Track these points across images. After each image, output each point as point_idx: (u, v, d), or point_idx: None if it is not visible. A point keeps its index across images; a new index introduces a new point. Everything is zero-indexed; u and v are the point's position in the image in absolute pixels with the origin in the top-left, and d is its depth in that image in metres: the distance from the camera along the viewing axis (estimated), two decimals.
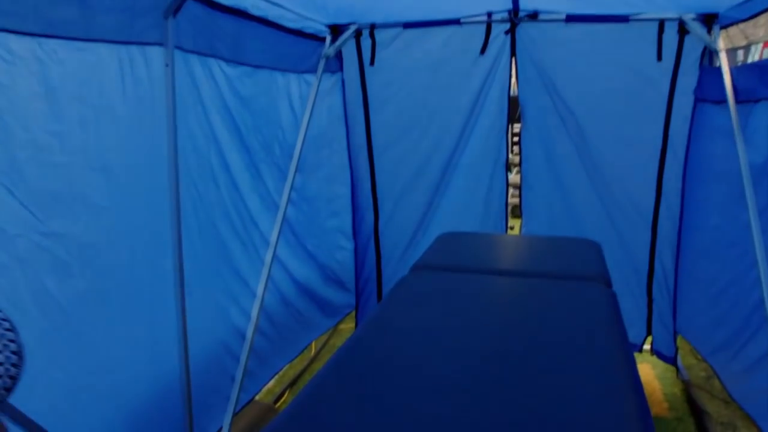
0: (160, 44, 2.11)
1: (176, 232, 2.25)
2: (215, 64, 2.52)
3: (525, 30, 3.47)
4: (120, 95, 1.98)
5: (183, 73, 2.29)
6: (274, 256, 3.03)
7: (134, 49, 2.03)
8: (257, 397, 3.19)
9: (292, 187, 3.19)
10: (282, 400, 3.47)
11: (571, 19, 3.29)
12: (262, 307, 2.92)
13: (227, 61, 2.59)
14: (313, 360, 3.93)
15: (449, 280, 2.27)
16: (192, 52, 2.34)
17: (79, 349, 1.86)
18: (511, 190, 4.01)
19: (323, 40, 3.51)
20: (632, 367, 1.58)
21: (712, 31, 3.11)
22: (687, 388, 3.50)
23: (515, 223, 4.14)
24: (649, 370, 3.77)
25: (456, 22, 3.44)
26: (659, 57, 3.24)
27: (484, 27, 3.47)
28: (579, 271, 2.38)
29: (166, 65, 2.12)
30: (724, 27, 3.11)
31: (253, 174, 2.89)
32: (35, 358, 1.71)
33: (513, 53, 3.56)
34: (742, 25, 3.03)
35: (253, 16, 2.70)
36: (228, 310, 2.73)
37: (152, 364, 2.21)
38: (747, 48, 3.08)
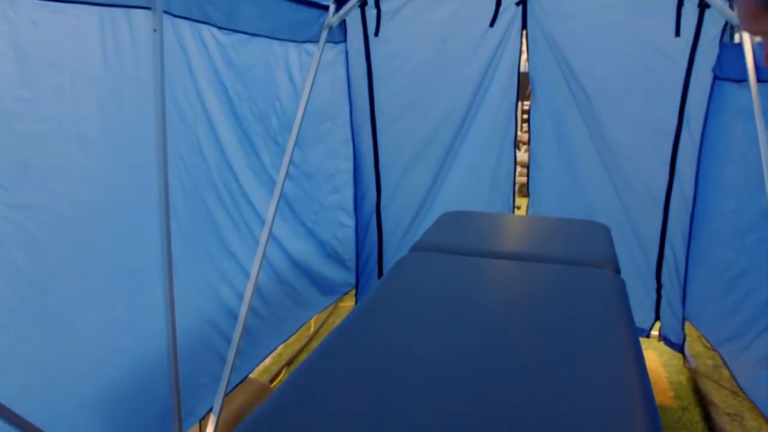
0: (147, 8, 1.99)
1: (164, 207, 2.15)
2: (207, 31, 2.40)
3: (537, 1, 3.32)
4: (101, 62, 1.87)
5: (171, 39, 2.18)
6: (270, 233, 2.92)
7: (118, 12, 1.90)
8: (252, 376, 3.12)
9: (290, 162, 3.08)
10: (278, 379, 3.40)
11: None
12: (256, 287, 2.83)
13: (220, 28, 2.47)
14: (311, 339, 3.86)
15: (449, 262, 2.17)
16: (182, 17, 2.22)
17: (55, 327, 1.78)
18: (519, 169, 3.89)
19: (326, 8, 3.37)
20: (638, 357, 1.51)
21: (734, 5, 2.95)
22: (693, 376, 3.40)
23: (522, 203, 4.03)
24: (655, 356, 3.66)
25: None
26: (677, 32, 3.08)
27: None
28: (586, 255, 2.27)
29: (154, 30, 2.00)
30: None
31: (246, 148, 2.77)
32: (5, 337, 1.63)
33: (524, 26, 3.42)
34: None
35: None
36: (218, 288, 2.64)
37: (137, 343, 2.13)
38: None
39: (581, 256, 2.26)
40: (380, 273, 3.99)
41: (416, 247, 2.40)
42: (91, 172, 1.85)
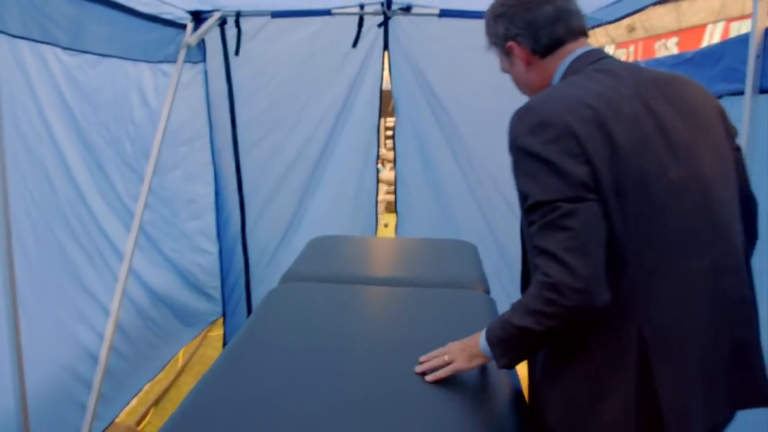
0: None
1: (5, 243, 1.91)
2: (50, 52, 2.20)
3: (398, 23, 3.37)
4: None
5: (9, 61, 1.96)
6: (130, 266, 2.72)
7: None
8: (117, 420, 2.88)
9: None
10: (146, 420, 3.16)
11: (445, 14, 3.22)
12: (116, 324, 2.62)
13: (65, 48, 2.27)
14: (180, 373, 3.64)
15: (321, 291, 2.11)
16: (20, 37, 2.01)
17: None
18: (386, 187, 3.92)
19: (184, 27, 3.22)
20: (511, 373, 1.51)
21: None
22: None
23: (391, 220, 4.05)
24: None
25: (327, 12, 3.28)
26: None
27: (356, 19, 3.34)
28: (456, 276, 2.29)
29: None
30: (590, 29, 3.16)
31: (98, 177, 2.56)
32: None
33: (386, 47, 3.45)
34: (609, 28, 3.11)
35: None
36: (75, 330, 2.41)
37: None
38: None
39: (451, 277, 2.28)
40: (248, 300, 3.84)
41: (287, 277, 2.32)
42: None
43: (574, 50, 1.30)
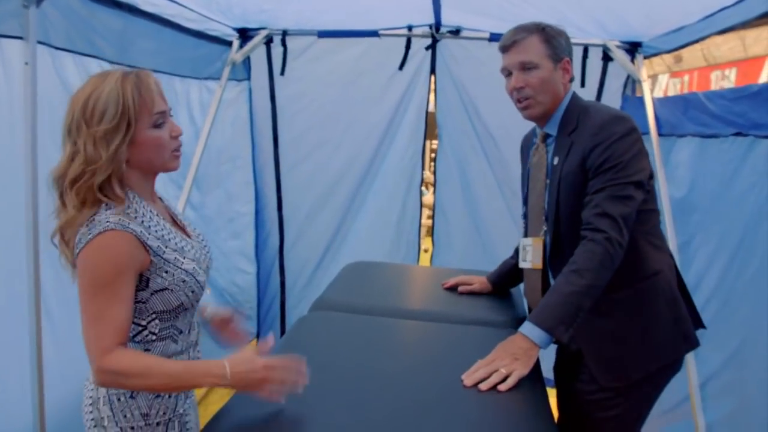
0: (20, 37, 1.76)
1: (32, 250, 1.87)
2: (96, 65, 2.18)
3: (446, 47, 3.31)
4: None
5: (51, 73, 1.94)
6: None
7: None
8: None
9: (188, 204, 2.86)
10: None
11: (495, 38, 3.13)
12: None
13: (112, 62, 2.25)
14: (208, 391, 3.58)
15: (351, 322, 2.01)
16: (64, 49, 1.99)
17: None
18: (427, 212, 3.82)
19: (230, 44, 3.21)
20: (547, 414, 1.42)
21: (635, 60, 3.03)
22: None
23: (430, 244, 3.95)
24: None
25: (374, 34, 3.23)
26: (582, 83, 3.13)
27: (403, 41, 3.28)
28: (494, 314, 2.16)
29: (26, 64, 1.77)
30: (647, 57, 3.04)
31: None
32: None
33: (433, 70, 3.38)
34: (666, 56, 2.97)
35: (145, 12, 2.37)
36: None
37: None
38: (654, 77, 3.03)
39: (489, 315, 2.16)
40: (282, 322, 3.78)
41: (318, 305, 2.22)
42: None
43: (571, 87, 1.80)
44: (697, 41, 2.60)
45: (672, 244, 2.68)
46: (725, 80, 7.22)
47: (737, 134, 2.27)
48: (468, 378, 1.44)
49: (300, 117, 3.49)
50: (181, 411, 1.42)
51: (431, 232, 3.73)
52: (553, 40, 1.73)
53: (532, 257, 1.89)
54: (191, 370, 1.26)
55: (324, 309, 2.16)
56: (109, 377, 1.21)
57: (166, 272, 1.29)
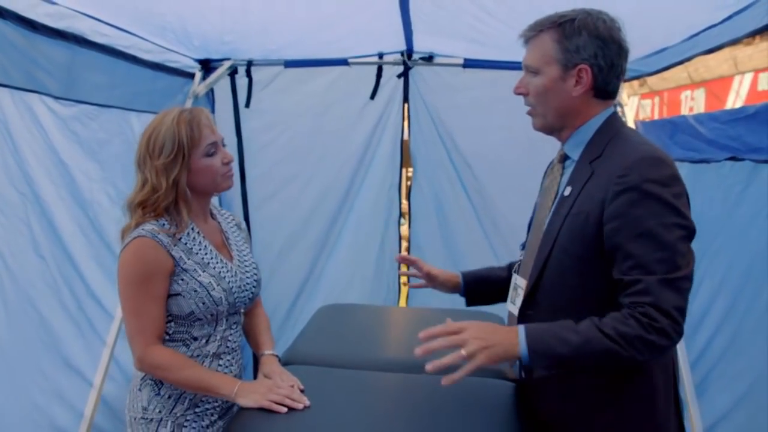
0: None
1: None
2: (39, 102, 1.99)
3: (419, 74, 3.18)
4: None
5: None
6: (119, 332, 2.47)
7: None
8: None
9: None
10: None
11: (469, 64, 3.01)
12: (98, 401, 2.34)
13: (57, 98, 2.06)
14: None
15: (324, 378, 1.80)
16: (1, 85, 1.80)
17: None
18: (405, 243, 3.65)
19: (192, 76, 3.04)
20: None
21: None
22: None
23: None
24: None
25: (344, 62, 3.08)
26: None
27: (374, 69, 3.15)
28: None
29: None
30: (627, 80, 2.93)
31: (92, 238, 2.33)
32: None
33: (406, 98, 3.25)
34: (649, 79, 2.87)
35: (95, 43, 2.19)
36: (50, 411, 2.14)
37: None
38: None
39: None
40: (255, 367, 3.54)
41: (289, 358, 2.01)
42: None
43: (610, 106, 1.44)
44: (681, 62, 2.49)
45: None
46: (693, 101, 7.24)
47: (731, 158, 2.16)
48: (425, 335, 1.32)
49: (268, 151, 3.33)
50: (178, 413, 1.58)
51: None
52: (569, 39, 1.37)
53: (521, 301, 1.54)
54: (206, 380, 1.53)
55: (295, 363, 1.95)
56: (147, 367, 1.53)
57: (182, 279, 1.53)
